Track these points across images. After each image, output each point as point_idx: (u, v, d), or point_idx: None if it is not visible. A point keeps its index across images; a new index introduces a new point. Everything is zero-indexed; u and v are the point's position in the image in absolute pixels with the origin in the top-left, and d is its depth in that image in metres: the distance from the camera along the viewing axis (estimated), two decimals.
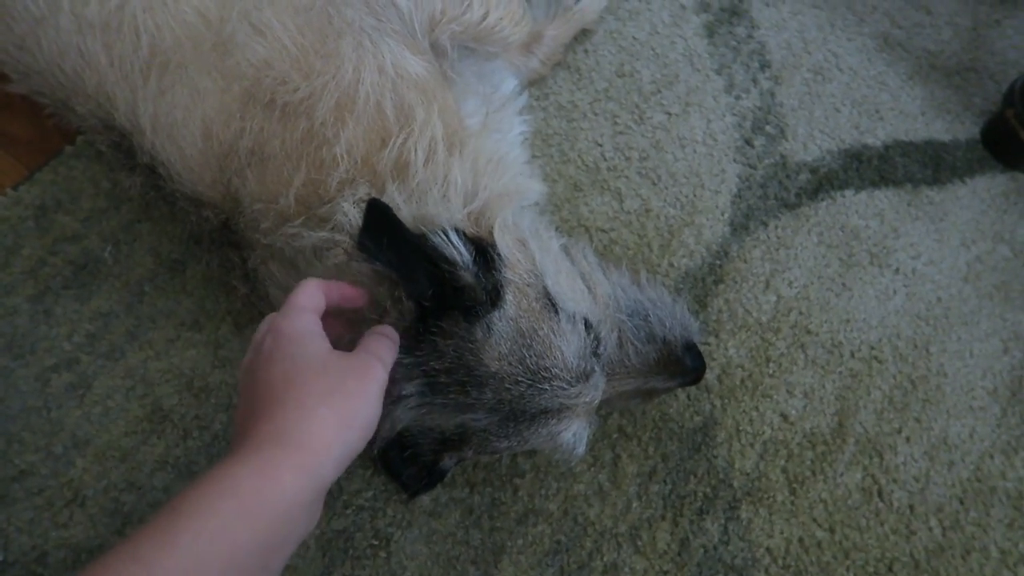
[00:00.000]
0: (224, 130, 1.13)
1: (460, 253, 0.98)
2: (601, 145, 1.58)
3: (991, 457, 1.39)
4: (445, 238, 0.97)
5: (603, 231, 1.50)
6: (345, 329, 0.99)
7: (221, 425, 1.27)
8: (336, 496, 1.23)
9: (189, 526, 0.62)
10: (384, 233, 0.92)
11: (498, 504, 1.27)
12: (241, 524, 0.64)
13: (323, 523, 1.22)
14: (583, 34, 1.68)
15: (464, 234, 1.02)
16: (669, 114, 1.63)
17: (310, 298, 0.87)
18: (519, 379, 0.97)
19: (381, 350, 0.86)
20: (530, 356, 0.98)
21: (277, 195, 1.10)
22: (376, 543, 1.22)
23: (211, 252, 1.33)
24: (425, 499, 1.25)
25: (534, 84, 1.62)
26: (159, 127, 1.17)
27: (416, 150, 1.10)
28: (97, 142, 1.29)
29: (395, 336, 0.93)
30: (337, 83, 1.11)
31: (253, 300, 1.23)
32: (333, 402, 0.75)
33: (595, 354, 1.07)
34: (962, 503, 1.35)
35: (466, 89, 1.30)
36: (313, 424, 0.73)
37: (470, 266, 0.98)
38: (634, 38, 1.70)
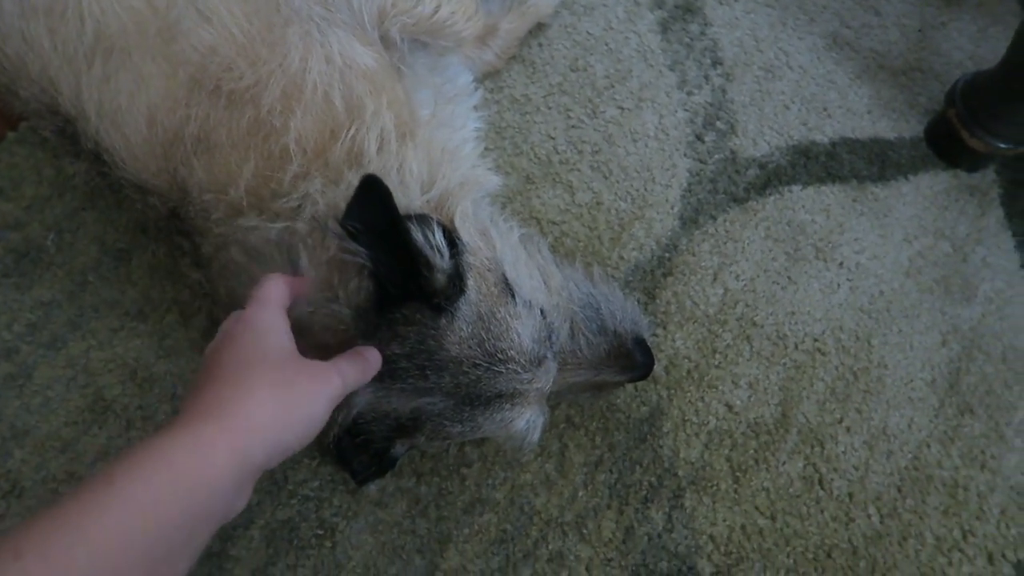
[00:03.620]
0: (169, 117, 1.12)
1: (442, 255, 0.98)
2: (554, 138, 1.59)
3: (928, 447, 1.43)
4: (429, 235, 0.97)
5: (554, 223, 1.51)
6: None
7: (165, 415, 1.25)
8: (281, 486, 1.23)
9: (121, 496, 0.62)
10: (373, 213, 0.91)
11: (445, 494, 1.27)
12: (171, 498, 0.64)
13: (268, 513, 1.21)
14: (538, 28, 1.69)
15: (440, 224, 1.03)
16: (622, 109, 1.65)
17: (278, 291, 0.88)
18: (477, 361, 0.99)
19: (347, 367, 0.86)
20: (488, 338, 0.99)
21: (227, 185, 1.09)
22: (321, 533, 1.22)
23: (158, 241, 1.32)
24: (372, 488, 1.25)
25: (488, 77, 1.63)
26: (103, 113, 1.15)
27: (368, 140, 1.10)
28: (41, 128, 1.27)
29: (376, 360, 0.93)
30: (284, 71, 1.10)
31: (206, 287, 1.21)
32: (279, 394, 0.75)
33: (548, 341, 1.08)
34: (900, 491, 1.39)
35: (417, 81, 1.29)
36: (250, 404, 0.73)
37: (447, 267, 0.98)
38: (588, 33, 1.72)
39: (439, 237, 0.99)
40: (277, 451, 0.75)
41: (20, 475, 1.19)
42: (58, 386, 1.25)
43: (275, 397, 0.75)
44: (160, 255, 1.32)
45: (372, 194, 0.90)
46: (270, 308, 0.85)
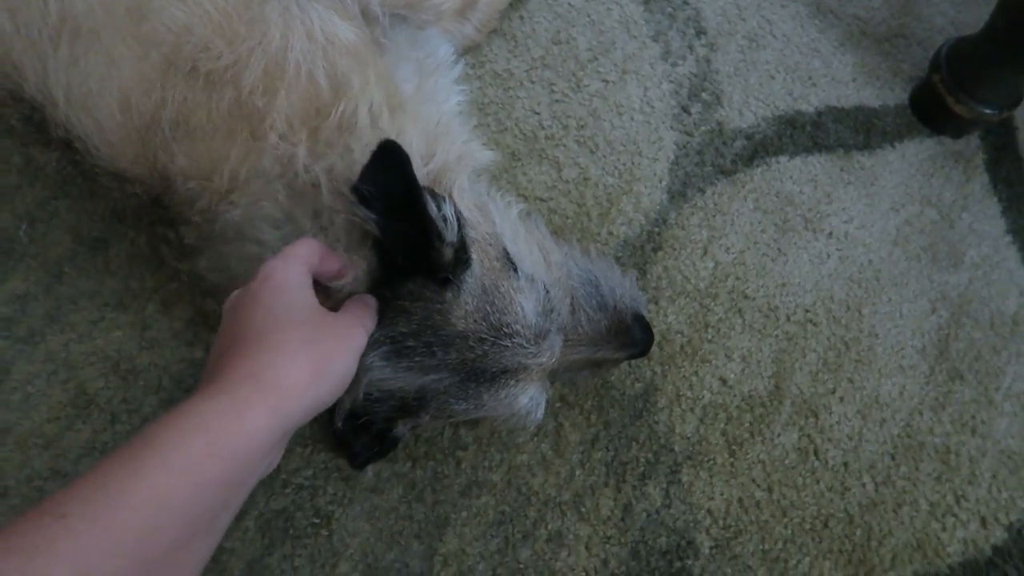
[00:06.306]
0: (144, 101, 1.08)
1: (452, 228, 0.97)
2: (538, 113, 1.56)
3: (920, 414, 1.44)
4: (442, 206, 0.96)
5: (541, 200, 1.49)
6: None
7: (151, 408, 1.22)
8: (274, 476, 1.20)
9: (157, 459, 0.63)
10: (389, 178, 0.90)
11: (441, 477, 1.26)
12: (209, 460, 0.65)
13: (261, 504, 1.19)
14: (518, 0, 1.65)
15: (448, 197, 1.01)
16: (606, 82, 1.62)
17: (308, 251, 0.88)
18: (483, 336, 0.97)
19: (364, 316, 0.90)
20: (493, 312, 0.98)
21: (211, 172, 1.05)
22: (317, 521, 1.20)
23: (136, 229, 1.27)
24: (367, 474, 1.23)
25: (469, 52, 1.59)
26: (73, 98, 1.10)
27: (359, 114, 1.07)
28: (6, 115, 1.21)
29: (374, 303, 0.95)
30: (264, 49, 1.06)
31: (192, 275, 1.17)
32: (312, 351, 0.77)
33: (551, 316, 1.07)
34: (893, 459, 1.40)
35: (399, 55, 1.26)
36: (290, 368, 0.74)
37: (455, 240, 0.97)
38: (570, 4, 1.68)
39: (451, 210, 0.97)
40: (313, 408, 0.77)
41: (3, 474, 1.16)
42: (38, 381, 1.21)
43: (307, 355, 0.76)
44: (140, 243, 1.28)
45: (390, 158, 0.88)
46: (294, 265, 0.85)
